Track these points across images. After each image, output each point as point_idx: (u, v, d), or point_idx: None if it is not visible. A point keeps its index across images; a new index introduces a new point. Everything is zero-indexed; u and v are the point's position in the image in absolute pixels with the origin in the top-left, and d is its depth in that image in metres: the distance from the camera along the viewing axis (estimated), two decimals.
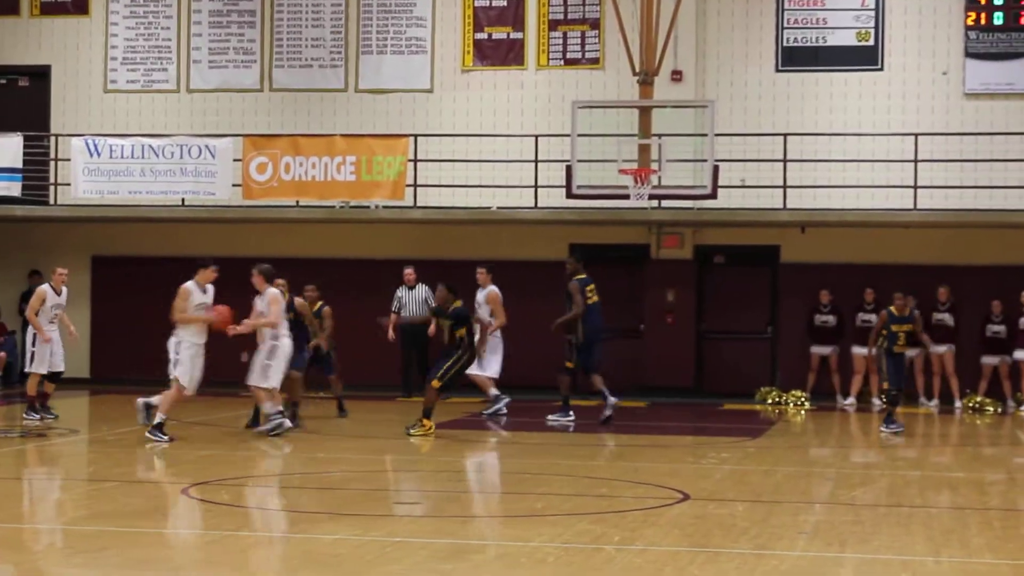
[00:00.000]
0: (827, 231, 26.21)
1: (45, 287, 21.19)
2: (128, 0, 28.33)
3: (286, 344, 19.09)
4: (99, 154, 26.40)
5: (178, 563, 10.61)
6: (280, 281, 20.50)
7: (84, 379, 27.67)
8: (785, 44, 26.63)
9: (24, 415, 20.69)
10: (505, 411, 22.21)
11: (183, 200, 26.71)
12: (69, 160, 26.72)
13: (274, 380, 18.81)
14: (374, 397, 24.26)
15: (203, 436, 19.53)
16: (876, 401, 21.03)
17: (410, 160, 25.99)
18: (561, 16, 27.19)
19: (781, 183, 25.58)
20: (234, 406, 23.52)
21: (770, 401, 25.33)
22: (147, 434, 18.08)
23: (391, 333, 24.72)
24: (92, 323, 28.26)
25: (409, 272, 25.11)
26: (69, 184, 26.74)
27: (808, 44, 26.56)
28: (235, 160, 26.17)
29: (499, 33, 27.37)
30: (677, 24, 25.06)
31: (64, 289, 21.24)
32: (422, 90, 27.59)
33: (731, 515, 13.00)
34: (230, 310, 18.82)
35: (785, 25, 26.59)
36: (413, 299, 24.92)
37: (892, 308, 20.92)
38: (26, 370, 21.18)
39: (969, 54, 26.12)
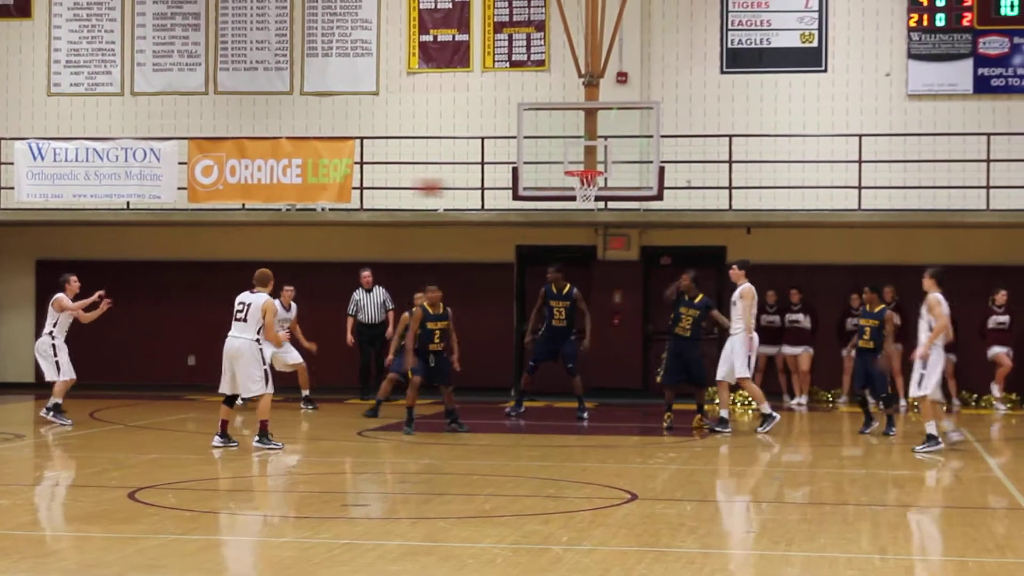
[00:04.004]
0: (772, 232, 26.34)
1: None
2: (71, 3, 28.17)
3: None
4: (43, 157, 26.26)
5: (125, 567, 10.56)
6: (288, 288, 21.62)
7: (29, 384, 27.50)
8: (729, 46, 26.74)
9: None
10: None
11: (128, 203, 26.59)
12: (12, 164, 26.55)
13: None
14: (328, 399, 24.20)
15: (150, 440, 19.44)
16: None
17: (356, 162, 25.96)
18: (506, 18, 27.22)
19: (727, 184, 25.69)
20: (180, 409, 23.44)
21: (717, 401, 25.41)
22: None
23: (350, 336, 24.67)
24: (37, 327, 28.03)
25: (366, 274, 24.96)
26: (13, 188, 26.58)
27: (752, 46, 26.68)
28: (180, 163, 26.08)
29: (444, 35, 27.37)
30: (622, 26, 25.14)
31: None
32: (368, 92, 27.55)
33: (679, 515, 13.06)
34: None
35: (729, 27, 26.71)
36: (371, 302, 24.70)
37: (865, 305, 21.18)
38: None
39: (912, 55, 26.31)
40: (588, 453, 18.30)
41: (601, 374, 26.41)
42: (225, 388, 17.95)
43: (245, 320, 17.88)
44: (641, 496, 14.06)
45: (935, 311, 18.18)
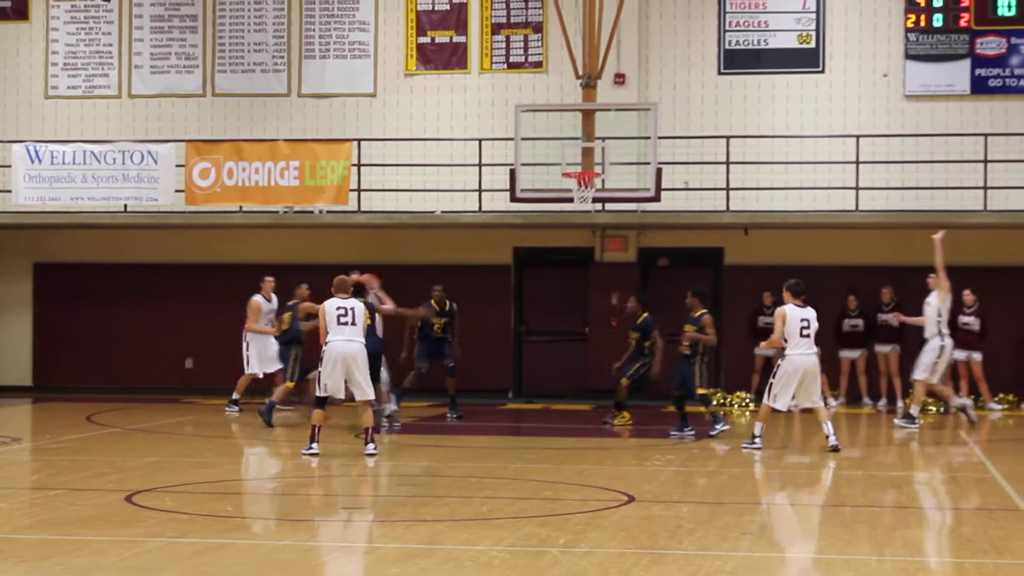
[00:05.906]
0: (770, 233, 26.34)
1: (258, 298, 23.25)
2: (69, 5, 28.17)
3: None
4: (40, 160, 26.24)
5: (121, 571, 10.55)
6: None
7: (26, 387, 27.49)
8: (727, 47, 26.74)
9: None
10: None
11: (126, 206, 26.58)
12: (10, 167, 26.54)
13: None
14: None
15: (147, 443, 19.44)
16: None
17: (354, 164, 25.95)
18: (504, 20, 27.21)
19: (724, 185, 25.69)
20: (177, 412, 23.41)
21: (715, 403, 25.41)
22: None
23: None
24: (34, 330, 28.08)
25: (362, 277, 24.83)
26: (10, 191, 26.56)
27: (750, 47, 26.68)
28: (178, 166, 26.07)
29: (442, 37, 27.36)
30: (619, 27, 25.13)
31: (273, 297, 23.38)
32: (365, 94, 27.55)
33: (676, 516, 13.05)
34: None
35: (727, 28, 26.71)
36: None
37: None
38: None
39: (909, 56, 26.31)
40: (585, 455, 18.29)
41: (598, 376, 26.38)
42: (338, 391, 17.78)
43: (354, 323, 17.73)
44: (638, 498, 14.06)
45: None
